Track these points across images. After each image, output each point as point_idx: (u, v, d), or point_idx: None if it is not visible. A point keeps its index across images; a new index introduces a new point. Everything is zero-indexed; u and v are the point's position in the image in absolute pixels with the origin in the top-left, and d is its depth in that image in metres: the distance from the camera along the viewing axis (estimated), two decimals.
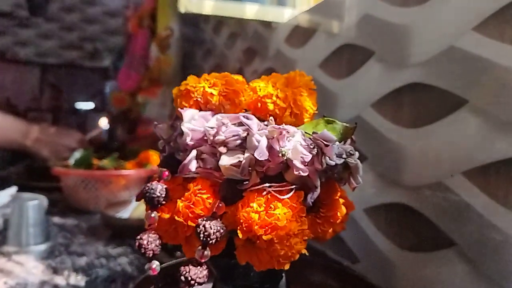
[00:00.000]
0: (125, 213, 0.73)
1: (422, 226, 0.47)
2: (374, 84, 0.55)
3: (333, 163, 0.30)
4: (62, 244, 0.65)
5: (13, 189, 0.82)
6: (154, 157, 0.96)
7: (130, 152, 1.00)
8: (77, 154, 0.90)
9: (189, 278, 0.30)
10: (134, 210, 0.72)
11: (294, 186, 0.31)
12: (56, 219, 0.80)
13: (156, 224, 0.33)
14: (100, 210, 0.74)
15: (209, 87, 0.33)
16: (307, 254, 0.31)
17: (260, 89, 0.35)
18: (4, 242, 0.63)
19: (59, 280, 0.51)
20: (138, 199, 0.37)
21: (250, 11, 0.88)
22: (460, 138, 0.42)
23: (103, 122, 1.09)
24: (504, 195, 0.38)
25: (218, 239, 0.30)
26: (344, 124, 0.33)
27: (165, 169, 0.33)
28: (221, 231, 0.30)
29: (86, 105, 2.54)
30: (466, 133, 0.41)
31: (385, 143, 0.53)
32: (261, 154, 0.28)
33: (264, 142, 0.29)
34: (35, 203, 0.63)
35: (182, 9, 0.83)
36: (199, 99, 0.33)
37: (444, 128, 0.44)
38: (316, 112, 0.37)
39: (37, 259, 0.59)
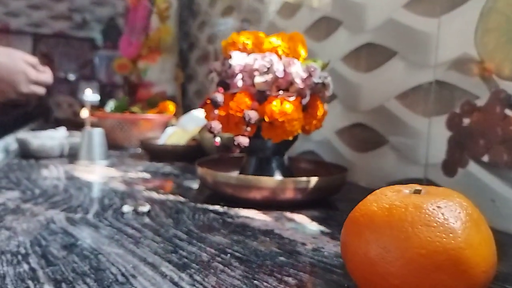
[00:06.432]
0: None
1: (370, 135, 0.73)
2: (342, 44, 0.81)
3: (316, 80, 0.55)
4: (118, 162, 0.89)
5: (63, 128, 1.05)
6: (170, 107, 1.20)
7: (152, 102, 1.24)
8: (112, 103, 1.14)
9: (238, 143, 0.55)
10: (168, 138, 0.96)
11: (295, 94, 0.56)
12: None
13: (216, 117, 0.58)
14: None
15: (246, 39, 0.58)
16: (300, 132, 0.57)
17: (275, 41, 0.60)
18: (76, 159, 0.87)
19: (131, 174, 0.76)
20: (201, 106, 0.61)
21: None
22: (393, 76, 0.68)
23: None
24: (417, 106, 0.65)
25: (254, 121, 0.55)
26: (323, 61, 0.59)
27: (220, 87, 0.58)
28: (256, 117, 0.55)
29: (76, 74, 2.72)
30: (396, 72, 0.68)
31: (349, 85, 0.79)
32: (279, 73, 0.54)
33: (281, 67, 0.54)
34: (99, 130, 0.87)
35: None
36: (240, 47, 0.58)
37: (383, 71, 0.70)
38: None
39: (105, 167, 0.83)
